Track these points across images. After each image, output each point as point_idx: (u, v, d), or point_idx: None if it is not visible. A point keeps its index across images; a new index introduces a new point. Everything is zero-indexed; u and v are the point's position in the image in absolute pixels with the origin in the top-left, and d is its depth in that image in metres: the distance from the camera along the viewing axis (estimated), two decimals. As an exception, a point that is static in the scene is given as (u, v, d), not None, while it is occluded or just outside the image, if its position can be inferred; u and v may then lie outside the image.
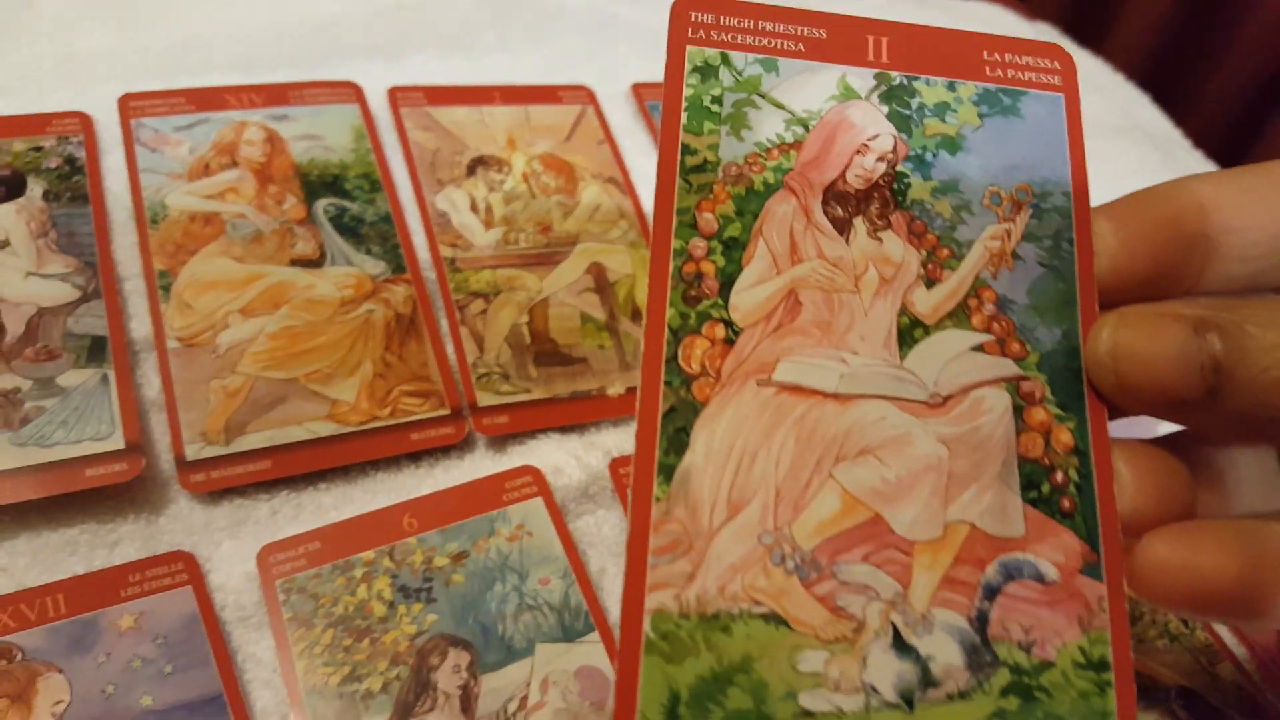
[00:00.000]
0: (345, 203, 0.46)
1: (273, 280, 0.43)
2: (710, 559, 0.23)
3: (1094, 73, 0.78)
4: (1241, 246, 0.25)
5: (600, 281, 0.48)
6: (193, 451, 0.39)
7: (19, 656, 0.34)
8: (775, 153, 0.27)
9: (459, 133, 0.51)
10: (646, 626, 0.22)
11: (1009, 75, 0.28)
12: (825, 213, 0.26)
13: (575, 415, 0.44)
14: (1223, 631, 0.44)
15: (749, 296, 0.25)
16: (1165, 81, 1.06)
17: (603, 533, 0.42)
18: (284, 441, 0.40)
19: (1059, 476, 0.25)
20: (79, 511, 0.38)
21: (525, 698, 0.37)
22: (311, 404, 0.41)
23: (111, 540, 0.37)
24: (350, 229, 0.46)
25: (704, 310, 0.25)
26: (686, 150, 0.26)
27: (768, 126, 0.27)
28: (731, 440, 0.24)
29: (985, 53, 0.28)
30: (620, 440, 0.44)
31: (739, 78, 0.27)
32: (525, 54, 0.56)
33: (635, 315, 0.48)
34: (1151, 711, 0.39)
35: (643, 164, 0.53)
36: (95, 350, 0.40)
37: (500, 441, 0.44)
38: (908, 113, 0.28)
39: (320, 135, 0.48)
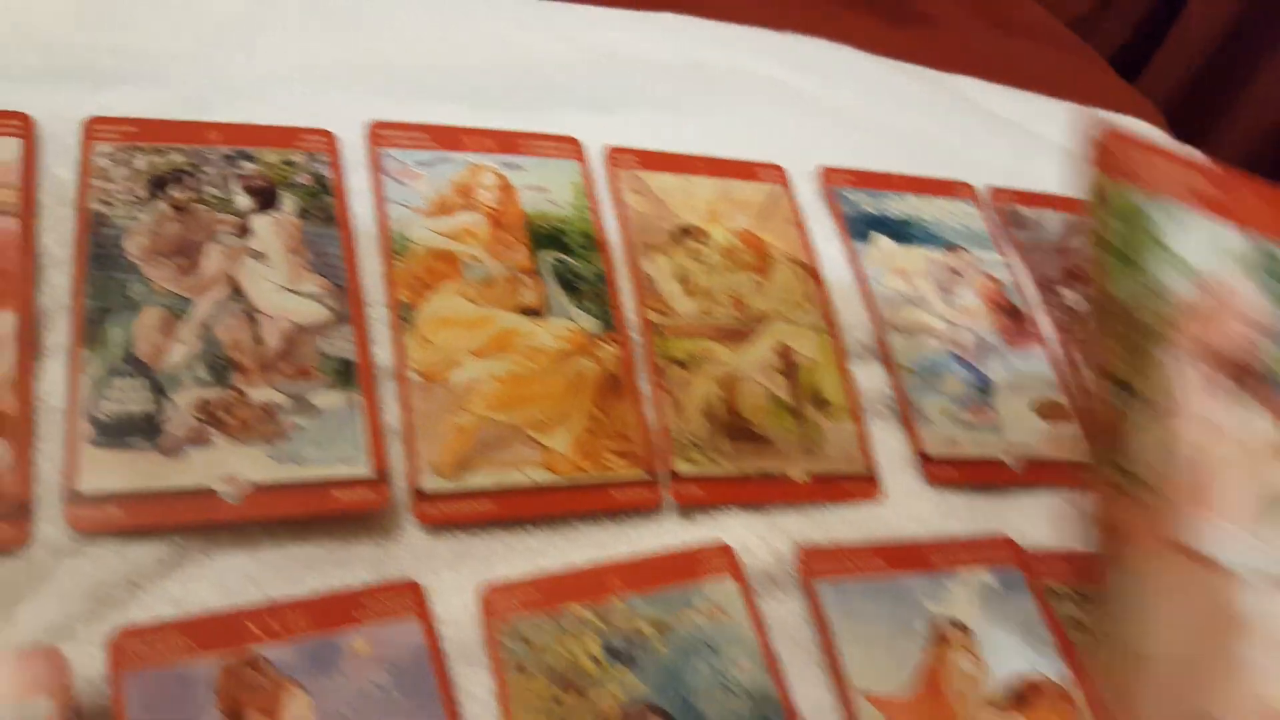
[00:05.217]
0: (568, 258, 0.48)
1: (502, 325, 0.45)
2: None
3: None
4: None
5: (788, 364, 0.51)
6: (428, 484, 0.41)
7: (267, 669, 0.36)
8: (1174, 307, 0.27)
9: (666, 199, 0.53)
10: None
11: None
12: (1216, 380, 0.28)
13: (761, 495, 0.47)
14: None
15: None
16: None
17: (790, 623, 0.44)
18: (506, 484, 0.42)
19: None
20: (320, 529, 0.39)
21: (718, 771, 0.39)
22: (529, 449, 0.43)
23: (346, 560, 0.39)
24: (570, 284, 0.48)
25: None
26: (1108, 296, 0.27)
27: (1169, 278, 0.28)
28: None
29: None
30: (802, 526, 0.46)
31: (1147, 225, 0.28)
32: (724, 119, 0.59)
33: (818, 401, 0.50)
34: None
35: (827, 249, 0.56)
36: (344, 373, 0.41)
37: (688, 509, 0.46)
38: (1276, 285, 0.28)
39: (546, 187, 0.50)
